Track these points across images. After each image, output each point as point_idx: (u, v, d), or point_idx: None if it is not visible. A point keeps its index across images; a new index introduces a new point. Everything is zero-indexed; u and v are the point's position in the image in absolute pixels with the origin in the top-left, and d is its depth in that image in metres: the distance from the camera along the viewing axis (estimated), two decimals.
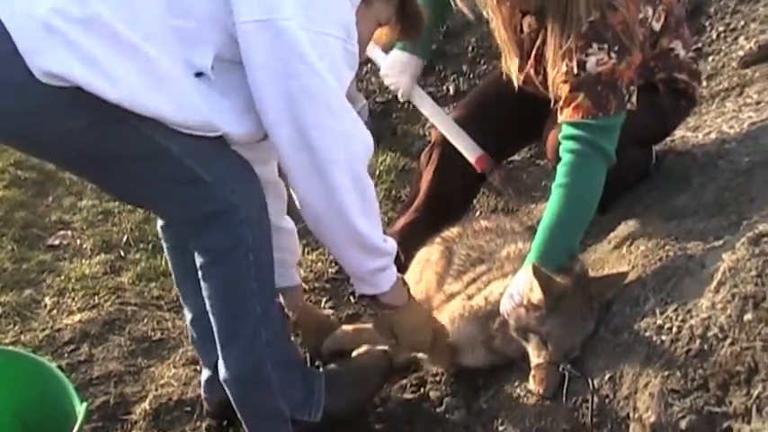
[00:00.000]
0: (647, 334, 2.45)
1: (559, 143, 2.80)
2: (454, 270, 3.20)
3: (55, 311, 3.84)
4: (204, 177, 2.22)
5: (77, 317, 3.73)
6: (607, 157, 2.74)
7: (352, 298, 3.79)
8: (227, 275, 2.35)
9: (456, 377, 2.98)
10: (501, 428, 2.67)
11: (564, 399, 2.52)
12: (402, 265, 3.45)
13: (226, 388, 2.53)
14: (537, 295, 2.60)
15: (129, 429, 3.11)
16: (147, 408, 3.16)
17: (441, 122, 3.55)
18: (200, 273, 2.39)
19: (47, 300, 3.92)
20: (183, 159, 2.20)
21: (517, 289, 2.71)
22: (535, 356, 2.63)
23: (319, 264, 4.04)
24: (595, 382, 2.48)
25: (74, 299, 3.91)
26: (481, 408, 2.80)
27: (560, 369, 2.57)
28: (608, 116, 2.73)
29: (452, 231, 3.40)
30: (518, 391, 2.72)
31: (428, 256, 3.35)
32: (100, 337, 3.63)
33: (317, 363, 3.15)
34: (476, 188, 3.71)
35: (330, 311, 3.64)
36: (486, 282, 2.99)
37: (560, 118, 2.81)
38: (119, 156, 2.20)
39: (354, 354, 3.03)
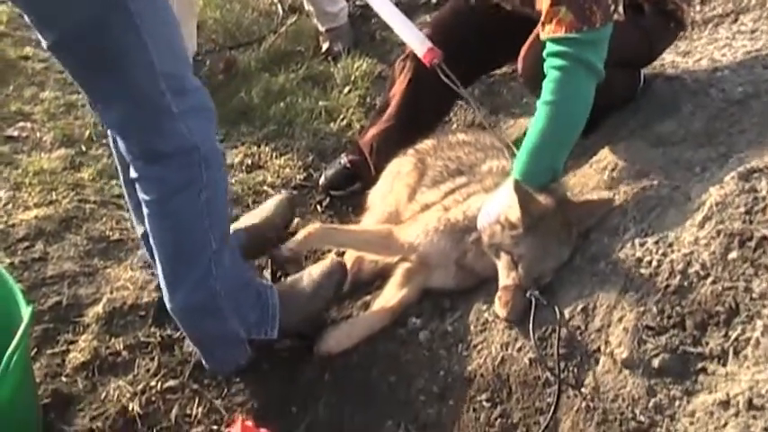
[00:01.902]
0: (625, 266, 2.35)
1: (544, 60, 2.65)
2: (429, 180, 3.08)
3: (10, 206, 3.67)
4: (172, 107, 2.18)
5: (33, 213, 3.57)
6: (595, 72, 2.60)
7: (318, 207, 3.66)
8: (177, 215, 2.33)
9: (422, 297, 2.86)
10: (464, 354, 2.57)
11: (531, 327, 2.42)
12: (371, 176, 3.38)
13: (173, 316, 2.51)
14: (515, 213, 2.49)
15: (81, 332, 3.00)
16: (101, 311, 3.06)
17: (387, 13, 3.36)
18: (144, 207, 2.34)
19: (2, 193, 3.76)
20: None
21: (496, 205, 2.60)
22: (504, 277, 2.53)
23: (287, 169, 3.90)
24: (566, 313, 2.39)
25: (30, 194, 3.74)
26: (446, 330, 2.70)
27: (528, 294, 2.47)
28: (593, 29, 2.58)
29: (426, 144, 3.27)
30: (485, 315, 2.62)
31: (399, 168, 3.23)
32: (56, 235, 3.49)
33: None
34: (450, 101, 3.54)
35: (296, 220, 3.49)
36: (466, 195, 2.86)
37: (543, 35, 2.66)
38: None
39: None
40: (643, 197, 2.52)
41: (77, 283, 3.24)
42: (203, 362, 2.71)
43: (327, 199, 3.71)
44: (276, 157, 3.96)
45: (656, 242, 2.32)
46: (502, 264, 2.55)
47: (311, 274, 2.82)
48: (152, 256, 2.60)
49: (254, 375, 2.75)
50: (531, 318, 2.43)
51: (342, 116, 4.22)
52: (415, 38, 3.25)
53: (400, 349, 2.72)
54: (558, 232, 2.52)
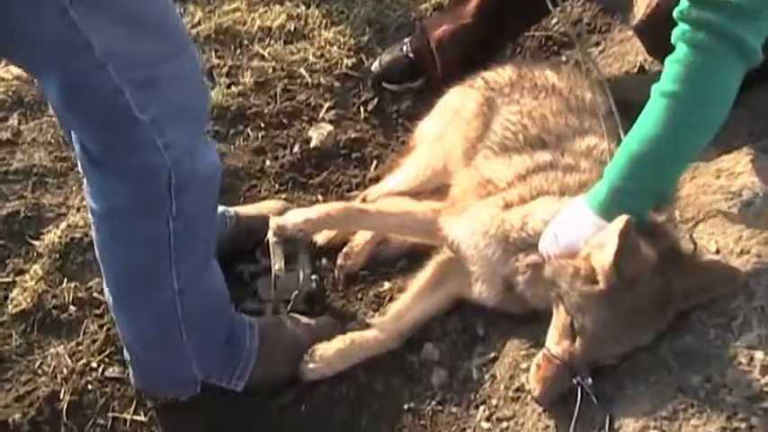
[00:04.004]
0: (731, 391, 1.56)
1: (674, 23, 1.76)
2: (497, 139, 2.26)
3: None
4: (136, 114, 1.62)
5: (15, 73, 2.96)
6: (748, 55, 1.71)
7: (363, 110, 2.86)
8: (134, 238, 1.85)
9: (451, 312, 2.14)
10: (484, 426, 1.87)
11: (573, 424, 1.72)
12: (437, 76, 2.76)
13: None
14: (604, 263, 1.70)
15: (32, 261, 2.45)
16: (57, 238, 2.48)
17: None
18: (91, 216, 1.88)
19: None
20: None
21: (573, 230, 1.83)
22: (552, 340, 1.81)
23: (335, 48, 3.07)
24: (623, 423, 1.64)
25: None
26: (469, 376, 2.04)
27: (575, 380, 1.75)
28: None
29: (501, 76, 2.40)
30: (523, 377, 1.88)
31: (460, 105, 2.38)
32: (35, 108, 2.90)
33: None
34: (543, 8, 2.54)
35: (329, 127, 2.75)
36: (538, 189, 2.04)
37: None
38: None
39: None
40: None
41: (44, 186, 2.66)
42: (131, 378, 2.10)
43: (375, 100, 2.87)
44: (325, 27, 3.12)
45: None
46: (556, 318, 1.80)
47: (295, 323, 2.19)
48: None
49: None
50: (576, 411, 1.72)
51: None
52: None
53: (403, 389, 2.03)
54: (649, 306, 1.73)
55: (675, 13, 1.74)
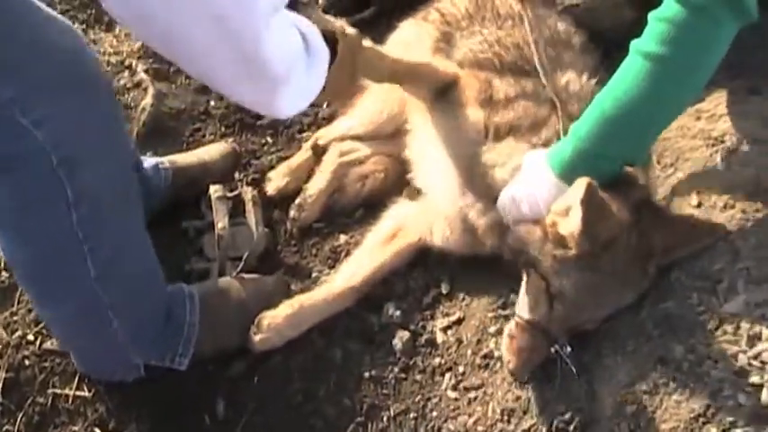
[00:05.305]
0: (713, 360, 1.46)
1: None
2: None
3: None
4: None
5: None
6: (746, 16, 1.54)
7: None
8: (34, 232, 1.65)
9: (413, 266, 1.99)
10: (450, 395, 1.77)
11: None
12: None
13: None
14: (570, 226, 1.56)
15: None
16: None
17: None
18: None
19: None
20: None
21: (538, 189, 1.68)
22: (525, 309, 1.67)
23: None
24: (603, 393, 1.55)
25: None
26: (433, 340, 1.90)
27: (553, 348, 1.62)
28: None
29: (457, 4, 2.19)
30: (491, 343, 1.77)
31: (414, 41, 2.18)
32: None
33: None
34: None
35: None
36: (508, 126, 1.86)
37: None
38: None
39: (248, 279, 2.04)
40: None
41: None
42: (74, 362, 1.93)
43: None
44: None
45: None
46: (528, 284, 1.67)
47: (242, 286, 1.99)
48: None
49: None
50: (558, 381, 1.62)
51: None
52: None
53: (364, 354, 1.89)
54: (626, 265, 1.60)
55: None
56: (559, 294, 1.61)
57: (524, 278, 1.68)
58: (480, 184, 1.84)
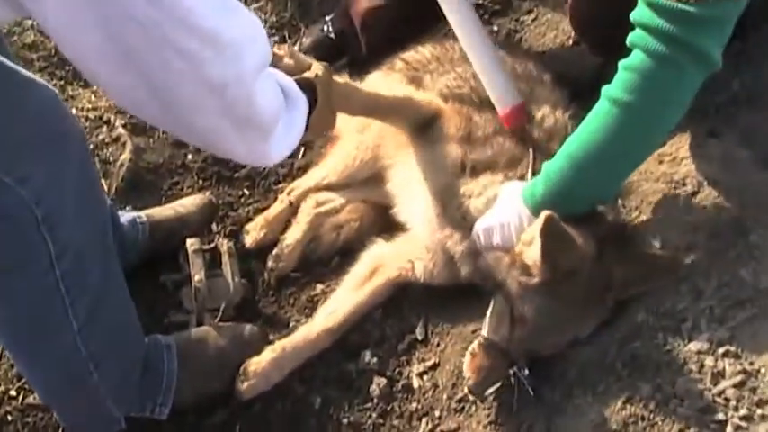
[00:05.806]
0: (683, 402, 1.49)
1: (630, 26, 1.62)
2: None
3: None
4: None
5: None
6: (711, 66, 1.59)
7: None
8: (17, 291, 1.63)
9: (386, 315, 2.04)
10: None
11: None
12: (361, 53, 2.59)
13: None
14: (533, 255, 1.65)
15: None
16: None
17: (470, 45, 2.06)
18: None
19: None
20: None
21: (509, 218, 1.77)
22: (488, 328, 1.74)
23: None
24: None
25: None
26: (409, 385, 1.94)
27: (512, 371, 1.69)
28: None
29: (422, 52, 2.29)
30: (465, 387, 1.79)
31: (384, 91, 2.20)
32: None
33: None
34: None
35: None
36: (485, 164, 1.97)
37: None
38: None
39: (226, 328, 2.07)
40: (735, 277, 1.57)
41: None
42: (56, 417, 1.95)
43: None
44: (246, 3, 2.89)
45: (740, 357, 1.49)
46: (494, 305, 1.76)
47: (219, 334, 2.02)
48: None
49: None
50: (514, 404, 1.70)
51: None
52: (500, 87, 2.01)
53: (342, 400, 1.93)
54: (586, 296, 1.68)
55: (634, 17, 1.60)
56: (521, 318, 1.69)
57: (493, 299, 1.75)
58: (456, 214, 1.93)
